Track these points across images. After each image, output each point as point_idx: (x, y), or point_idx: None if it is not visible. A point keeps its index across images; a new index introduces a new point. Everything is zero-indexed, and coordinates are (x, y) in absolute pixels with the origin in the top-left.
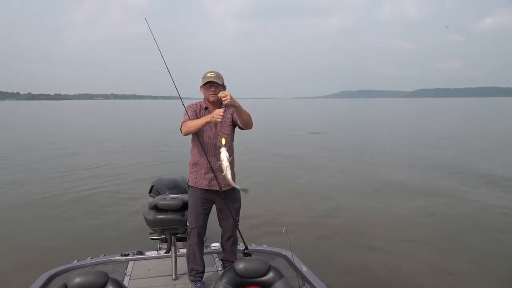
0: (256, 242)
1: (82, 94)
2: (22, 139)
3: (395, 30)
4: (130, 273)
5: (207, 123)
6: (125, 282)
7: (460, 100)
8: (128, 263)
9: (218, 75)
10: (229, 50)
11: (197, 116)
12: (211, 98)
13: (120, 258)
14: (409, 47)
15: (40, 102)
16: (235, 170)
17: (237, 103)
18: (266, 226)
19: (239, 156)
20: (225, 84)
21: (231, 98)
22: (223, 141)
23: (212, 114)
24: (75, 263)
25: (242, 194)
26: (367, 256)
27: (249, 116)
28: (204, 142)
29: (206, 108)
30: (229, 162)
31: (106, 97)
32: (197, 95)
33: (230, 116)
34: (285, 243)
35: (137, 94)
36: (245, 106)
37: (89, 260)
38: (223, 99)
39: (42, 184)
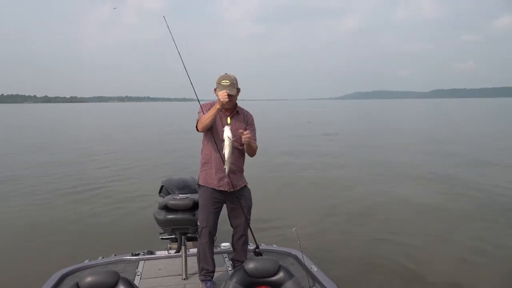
0: (265, 241)
1: (97, 96)
2: (38, 140)
3: (409, 30)
4: (141, 273)
5: (218, 110)
6: (136, 281)
7: (478, 100)
8: (138, 263)
9: (232, 83)
10: (242, 52)
11: None
12: (226, 106)
13: (131, 257)
14: (424, 47)
15: (56, 104)
16: (244, 167)
17: (252, 141)
18: (276, 225)
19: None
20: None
21: (248, 139)
22: (228, 120)
23: (218, 100)
24: (86, 262)
25: (252, 193)
26: (380, 258)
27: (256, 149)
28: (214, 141)
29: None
30: (238, 160)
31: (121, 99)
32: (212, 97)
33: (245, 124)
34: (295, 242)
35: (151, 96)
36: (258, 107)
37: (100, 260)
38: (245, 138)
39: (54, 185)
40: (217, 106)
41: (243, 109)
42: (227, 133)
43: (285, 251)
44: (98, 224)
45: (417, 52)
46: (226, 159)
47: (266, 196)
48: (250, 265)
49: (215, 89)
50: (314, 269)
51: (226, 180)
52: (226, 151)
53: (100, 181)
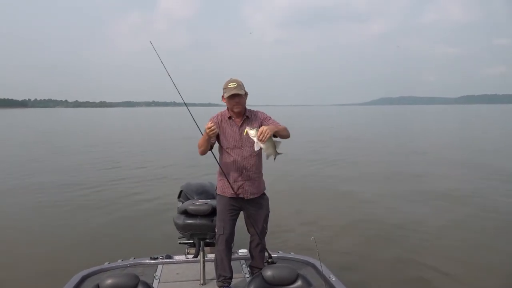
0: (283, 249)
1: (125, 101)
2: (65, 144)
3: (437, 35)
4: (159, 277)
5: (207, 140)
6: (154, 285)
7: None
8: (157, 267)
9: (239, 85)
10: (267, 58)
11: (219, 127)
12: (236, 109)
13: (150, 261)
14: (452, 52)
15: (86, 109)
16: (264, 178)
17: (274, 129)
18: (294, 233)
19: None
20: (248, 91)
21: (269, 132)
22: (245, 132)
23: (206, 129)
24: (106, 264)
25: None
26: (401, 271)
27: (285, 130)
28: (230, 152)
29: (230, 118)
30: (256, 166)
31: (148, 104)
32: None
33: (258, 126)
34: (313, 251)
35: (177, 101)
36: (282, 113)
37: (119, 262)
38: (262, 137)
39: (77, 187)
40: (205, 137)
41: (252, 110)
42: (250, 131)
43: (303, 260)
44: (118, 227)
45: (446, 56)
46: (267, 150)
47: (285, 203)
48: (268, 273)
49: (222, 96)
50: (333, 278)
51: (243, 188)
52: (263, 146)
53: (121, 185)
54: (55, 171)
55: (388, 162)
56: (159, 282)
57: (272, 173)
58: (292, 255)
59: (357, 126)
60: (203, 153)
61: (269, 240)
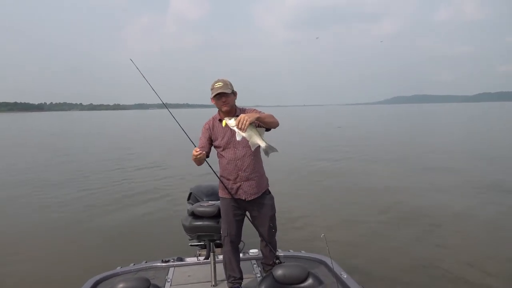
0: (293, 247)
1: (139, 104)
2: (77, 146)
3: (451, 33)
4: (171, 279)
5: (198, 159)
6: (166, 287)
7: None
8: (168, 270)
9: (226, 84)
10: (279, 58)
11: (211, 132)
12: (224, 109)
13: (161, 264)
14: (467, 50)
15: (101, 112)
16: (266, 175)
17: (255, 115)
18: (304, 230)
19: (284, 157)
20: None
21: (247, 119)
22: (223, 123)
23: (192, 154)
24: (118, 269)
25: (276, 201)
26: (413, 268)
27: (270, 117)
28: (223, 154)
29: (220, 120)
30: (254, 165)
31: (161, 106)
32: (240, 102)
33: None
34: (324, 249)
35: (190, 103)
36: (293, 114)
37: (131, 267)
38: (241, 125)
39: (88, 192)
40: (192, 158)
41: (244, 109)
42: (230, 123)
43: (314, 257)
44: (129, 231)
45: (460, 55)
46: (251, 139)
47: (294, 201)
48: (279, 272)
49: (211, 98)
50: (344, 275)
51: (241, 190)
52: (245, 134)
53: (132, 189)
54: (67, 175)
55: (408, 158)
56: (170, 285)
57: (284, 171)
58: (303, 253)
59: (366, 123)
60: (199, 164)
61: (279, 238)
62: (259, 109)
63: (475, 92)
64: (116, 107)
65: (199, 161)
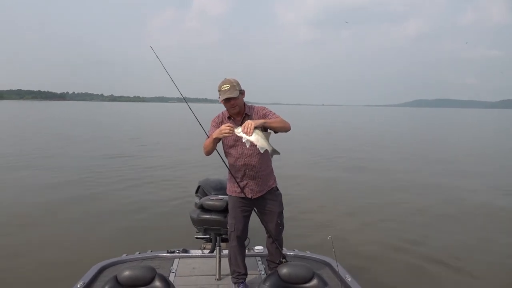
0: (299, 247)
1: (158, 97)
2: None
3: (477, 36)
4: (175, 270)
5: (216, 140)
6: (171, 278)
7: None
8: (173, 260)
9: (233, 86)
10: (299, 57)
11: None
12: (232, 112)
13: (166, 254)
14: (493, 54)
15: (121, 103)
16: (275, 173)
17: (261, 121)
18: (311, 231)
19: (295, 161)
20: (245, 88)
21: (253, 125)
22: (237, 130)
23: (219, 129)
24: (124, 256)
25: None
26: (421, 271)
27: (281, 122)
28: (231, 152)
29: (229, 117)
30: (261, 164)
31: (180, 100)
32: (262, 99)
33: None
34: (330, 250)
35: (209, 98)
36: (308, 112)
37: (137, 255)
38: (247, 131)
39: (98, 181)
40: (214, 136)
41: (253, 107)
42: (236, 131)
43: (319, 259)
44: (136, 220)
45: (485, 59)
46: (258, 143)
47: (302, 201)
48: (284, 270)
49: (220, 100)
50: (349, 278)
51: (248, 188)
52: (251, 138)
53: (141, 179)
54: (80, 162)
55: (414, 161)
56: (175, 276)
57: (294, 171)
58: (308, 253)
59: (382, 126)
60: (208, 153)
61: (285, 237)
62: (278, 107)
63: (500, 98)
64: (136, 99)
65: (214, 144)
